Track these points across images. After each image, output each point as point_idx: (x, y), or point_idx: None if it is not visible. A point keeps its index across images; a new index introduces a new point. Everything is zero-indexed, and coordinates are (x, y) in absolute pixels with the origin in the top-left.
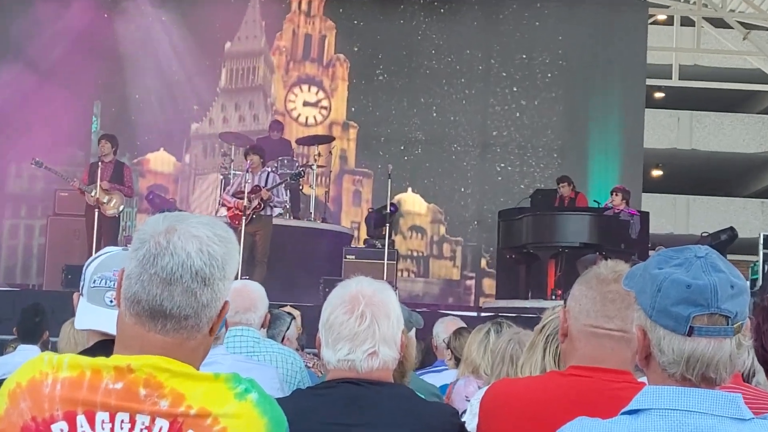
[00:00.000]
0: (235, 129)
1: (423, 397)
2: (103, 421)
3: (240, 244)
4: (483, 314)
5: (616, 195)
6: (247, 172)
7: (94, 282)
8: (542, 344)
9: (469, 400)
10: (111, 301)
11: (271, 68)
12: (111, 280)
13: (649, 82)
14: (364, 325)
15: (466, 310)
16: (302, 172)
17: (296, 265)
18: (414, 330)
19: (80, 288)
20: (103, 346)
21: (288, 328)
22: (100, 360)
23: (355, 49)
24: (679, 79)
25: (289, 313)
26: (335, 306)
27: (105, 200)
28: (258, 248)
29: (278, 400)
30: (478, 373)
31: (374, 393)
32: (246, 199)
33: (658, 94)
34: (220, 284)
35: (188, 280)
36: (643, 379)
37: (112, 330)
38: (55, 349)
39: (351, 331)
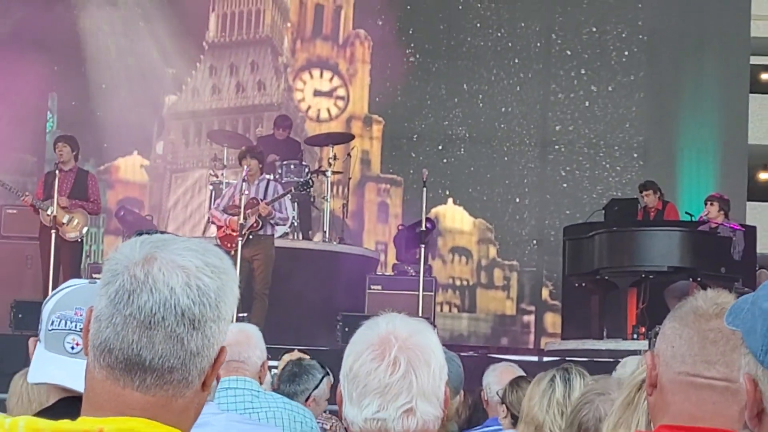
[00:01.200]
0: (231, 103)
1: None
2: None
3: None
4: (546, 359)
5: (712, 205)
6: (244, 181)
7: (53, 323)
8: (645, 402)
9: None
10: (73, 348)
11: (284, 13)
12: (72, 321)
13: (754, 60)
14: (398, 374)
15: (525, 353)
16: (311, 181)
17: (307, 298)
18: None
19: (38, 331)
20: (67, 404)
21: (317, 386)
22: (65, 424)
23: (379, 23)
24: None
25: (322, 367)
26: (361, 351)
27: (65, 220)
28: (257, 277)
29: None
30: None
31: None
32: (241, 216)
33: (766, 76)
34: (214, 326)
35: (172, 323)
36: None
37: (73, 385)
38: (3, 409)
39: (381, 383)
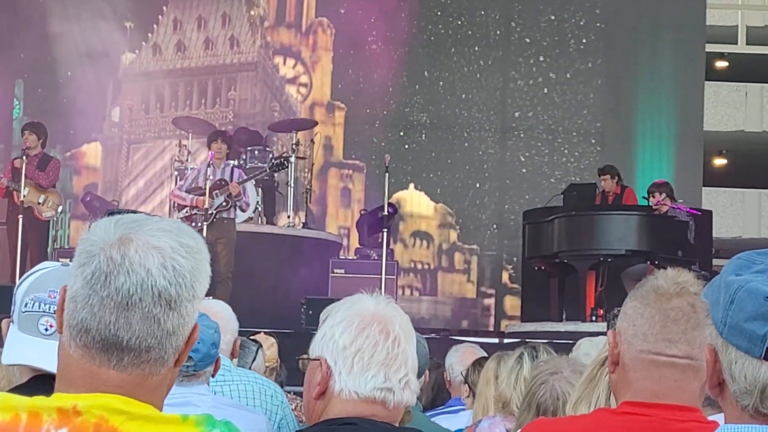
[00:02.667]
0: (199, 62)
1: None
2: None
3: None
4: (506, 341)
5: (659, 193)
6: (208, 165)
7: (26, 305)
8: (606, 378)
9: None
10: (47, 329)
11: None
12: (46, 303)
13: (710, 48)
14: (400, 349)
15: (485, 335)
16: (282, 163)
17: (271, 281)
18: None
19: (10, 313)
20: (40, 382)
21: (254, 360)
22: (39, 400)
23: (341, 11)
24: (747, 45)
25: (254, 341)
26: (364, 325)
27: (40, 200)
28: (221, 260)
29: None
30: (510, 408)
31: None
32: (206, 199)
33: (721, 64)
34: (189, 306)
35: (149, 304)
36: (715, 417)
37: (47, 365)
38: None
39: (388, 356)
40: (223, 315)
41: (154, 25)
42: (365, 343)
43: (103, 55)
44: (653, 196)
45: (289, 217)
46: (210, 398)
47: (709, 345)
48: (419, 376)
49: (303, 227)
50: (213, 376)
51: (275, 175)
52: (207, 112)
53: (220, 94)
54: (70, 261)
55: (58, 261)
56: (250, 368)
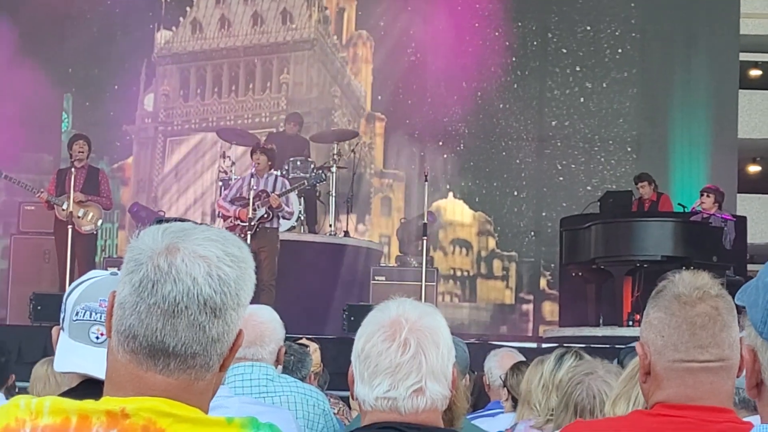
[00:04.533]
0: (245, 40)
1: None
2: None
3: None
4: (544, 345)
5: (707, 196)
6: (252, 176)
7: (77, 314)
8: None
9: None
10: (98, 338)
11: None
12: (97, 312)
13: (743, 57)
14: (408, 355)
15: (523, 340)
16: (323, 176)
17: (313, 289)
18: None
19: (60, 321)
20: (90, 386)
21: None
22: (89, 403)
23: (381, 23)
24: None
25: (302, 345)
26: (372, 333)
27: (80, 214)
28: (264, 269)
29: None
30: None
31: None
32: (250, 207)
33: (755, 72)
34: (233, 314)
35: (195, 312)
36: (749, 419)
37: (98, 373)
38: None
39: (392, 363)
40: (270, 323)
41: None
42: (372, 351)
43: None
44: (703, 197)
45: (330, 225)
46: (236, 399)
47: (748, 346)
48: (462, 377)
49: (344, 236)
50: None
51: (318, 186)
52: (256, 99)
53: (270, 77)
54: (119, 270)
55: (106, 270)
56: (308, 375)
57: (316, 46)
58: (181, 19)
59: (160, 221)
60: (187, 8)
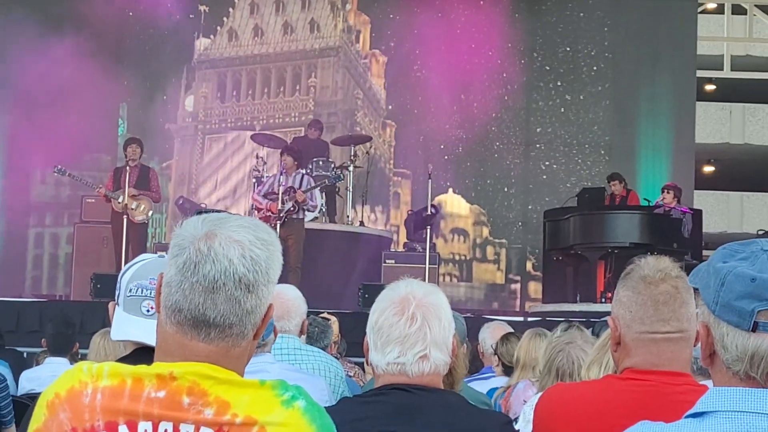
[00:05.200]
0: (277, 47)
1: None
2: (146, 431)
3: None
4: (530, 319)
5: (668, 192)
6: (281, 174)
7: (131, 291)
8: None
9: None
10: (148, 311)
11: None
12: (147, 289)
13: (700, 74)
14: (415, 327)
15: (512, 315)
16: (341, 176)
17: (333, 270)
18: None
19: (116, 297)
20: (141, 353)
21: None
22: (141, 368)
23: (392, 44)
24: (731, 70)
25: (325, 318)
26: (384, 308)
27: (133, 206)
28: (291, 253)
29: (326, 409)
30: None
31: (425, 400)
32: (279, 201)
33: (709, 87)
34: (264, 289)
35: (231, 288)
36: (704, 383)
37: (149, 341)
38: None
39: (401, 334)
40: (295, 299)
41: (230, 9)
42: (384, 323)
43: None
44: (664, 193)
45: (348, 216)
46: (278, 366)
47: (702, 322)
48: (461, 345)
49: (360, 225)
50: (274, 339)
51: (337, 183)
52: (286, 101)
53: (299, 81)
54: (166, 253)
55: (155, 253)
56: (329, 344)
57: (341, 53)
58: (218, 28)
59: (199, 212)
60: (224, 18)
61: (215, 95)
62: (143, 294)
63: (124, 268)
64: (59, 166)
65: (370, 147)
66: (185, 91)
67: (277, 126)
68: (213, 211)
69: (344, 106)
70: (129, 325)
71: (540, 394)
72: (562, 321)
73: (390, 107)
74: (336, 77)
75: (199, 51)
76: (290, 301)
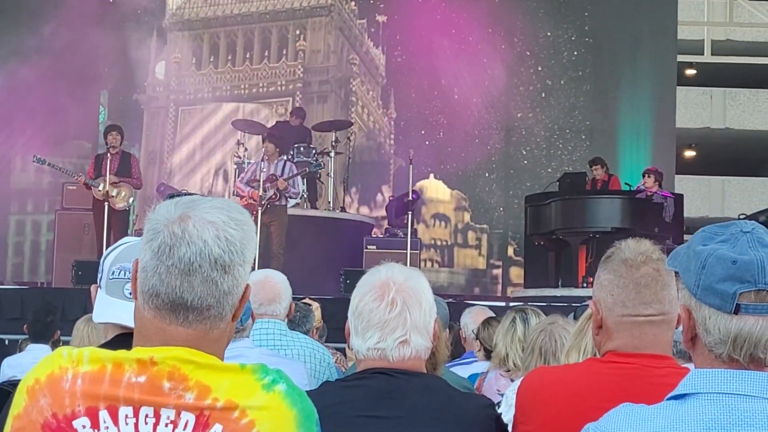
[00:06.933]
0: (262, 6)
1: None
2: (126, 416)
3: (256, 236)
4: (511, 304)
5: (649, 177)
6: (263, 160)
7: (113, 273)
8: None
9: (502, 394)
10: (130, 293)
11: None
12: (130, 271)
13: (680, 58)
14: (395, 312)
15: (494, 300)
16: (322, 163)
17: (315, 256)
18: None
19: (98, 280)
20: (122, 339)
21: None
22: (122, 353)
23: (372, 30)
24: (712, 55)
25: (306, 304)
26: (365, 293)
27: (113, 193)
28: (274, 240)
29: (307, 393)
30: (507, 363)
31: (406, 384)
32: (261, 188)
33: (690, 71)
34: (240, 269)
35: (207, 269)
36: (686, 365)
37: (131, 323)
38: None
39: (381, 319)
40: (282, 285)
41: None
42: (364, 308)
43: None
44: (645, 177)
45: (329, 202)
46: (257, 351)
47: (683, 306)
48: (443, 329)
49: (341, 211)
50: (252, 324)
51: (318, 170)
52: (271, 67)
53: (286, 44)
54: None
55: (138, 237)
56: (311, 329)
57: (334, 12)
58: None
59: (171, 196)
60: None
61: (190, 61)
62: (126, 277)
63: (106, 251)
64: (38, 156)
65: (351, 133)
66: (155, 57)
67: (262, 96)
68: (185, 194)
69: (338, 73)
70: (112, 307)
71: (522, 378)
72: (543, 306)
73: (371, 94)
74: (328, 40)
75: (172, 10)
76: (279, 285)
